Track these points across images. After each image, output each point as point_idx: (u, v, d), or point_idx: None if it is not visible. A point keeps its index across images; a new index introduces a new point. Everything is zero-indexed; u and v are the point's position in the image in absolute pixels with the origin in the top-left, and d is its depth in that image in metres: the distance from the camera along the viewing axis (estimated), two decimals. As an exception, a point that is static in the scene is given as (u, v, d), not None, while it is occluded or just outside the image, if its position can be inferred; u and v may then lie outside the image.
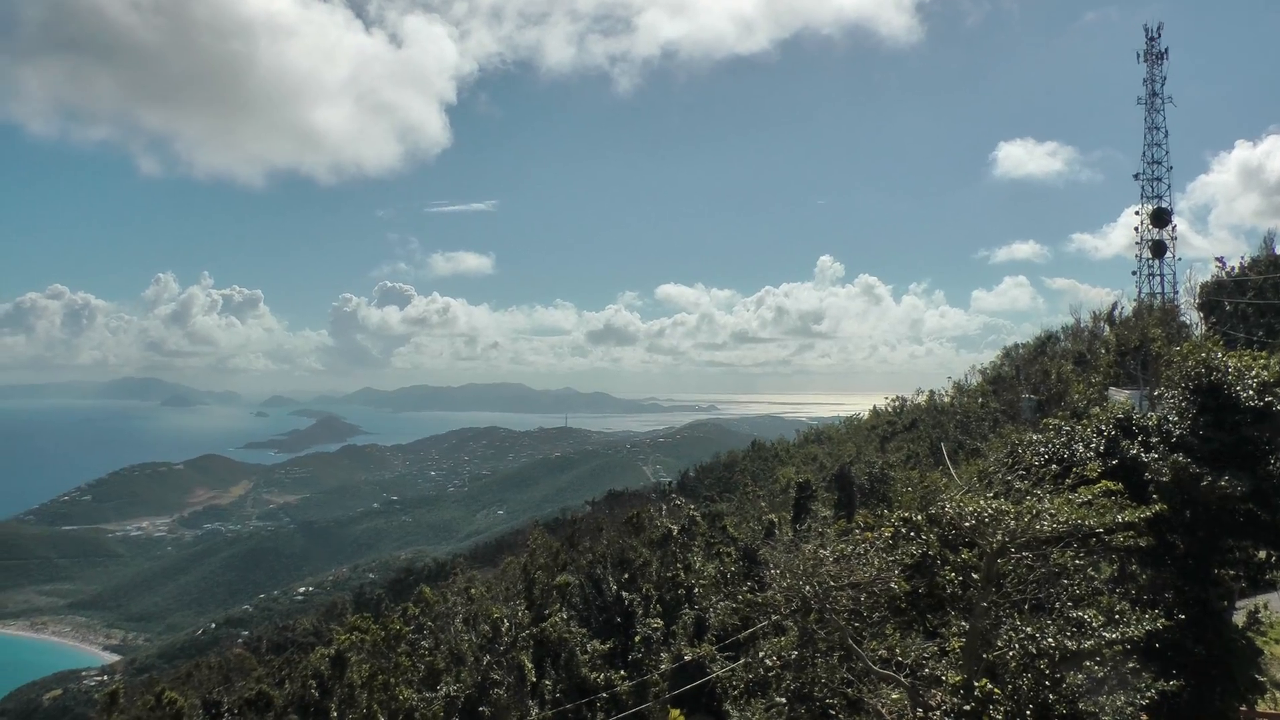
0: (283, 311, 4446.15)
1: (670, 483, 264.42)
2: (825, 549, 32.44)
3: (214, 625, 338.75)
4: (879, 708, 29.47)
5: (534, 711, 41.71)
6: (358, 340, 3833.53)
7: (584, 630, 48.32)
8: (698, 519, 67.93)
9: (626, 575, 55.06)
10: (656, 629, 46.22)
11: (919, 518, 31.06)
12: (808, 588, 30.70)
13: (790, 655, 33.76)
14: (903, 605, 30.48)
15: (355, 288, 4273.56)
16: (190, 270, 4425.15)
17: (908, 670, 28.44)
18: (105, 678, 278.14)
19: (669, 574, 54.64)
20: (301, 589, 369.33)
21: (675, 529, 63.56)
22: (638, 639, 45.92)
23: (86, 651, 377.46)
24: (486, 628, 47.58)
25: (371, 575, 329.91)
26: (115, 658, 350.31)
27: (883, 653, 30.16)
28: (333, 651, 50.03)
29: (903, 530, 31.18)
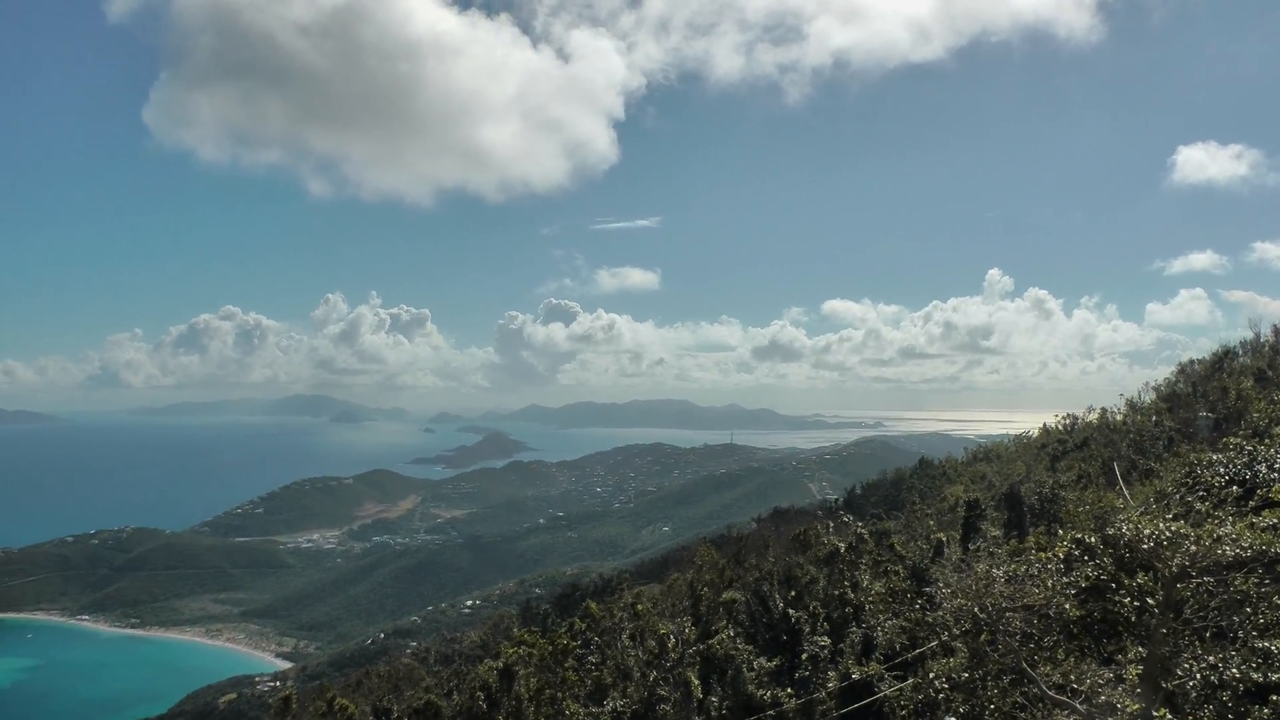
0: (449, 329, 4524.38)
1: (836, 500, 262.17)
2: (997, 569, 31.96)
3: (383, 635, 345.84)
4: (1053, 734, 28.91)
5: (700, 728, 41.75)
6: (523, 357, 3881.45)
7: (750, 647, 48.21)
8: (865, 537, 67.28)
9: (793, 592, 54.81)
10: (824, 647, 45.89)
11: (1093, 539, 30.34)
12: (978, 609, 30.29)
13: (961, 677, 33.27)
14: (1076, 630, 29.83)
15: (521, 305, 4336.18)
16: (359, 289, 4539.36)
17: (1083, 697, 27.81)
18: (278, 683, 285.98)
19: (836, 592, 54.24)
20: (469, 602, 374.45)
21: (842, 546, 63.05)
22: (804, 656, 45.66)
23: (259, 658, 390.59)
24: (653, 643, 47.76)
25: (538, 590, 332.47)
26: (287, 664, 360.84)
27: (1056, 678, 29.54)
28: (500, 664, 50.72)
29: (1076, 552, 30.51)
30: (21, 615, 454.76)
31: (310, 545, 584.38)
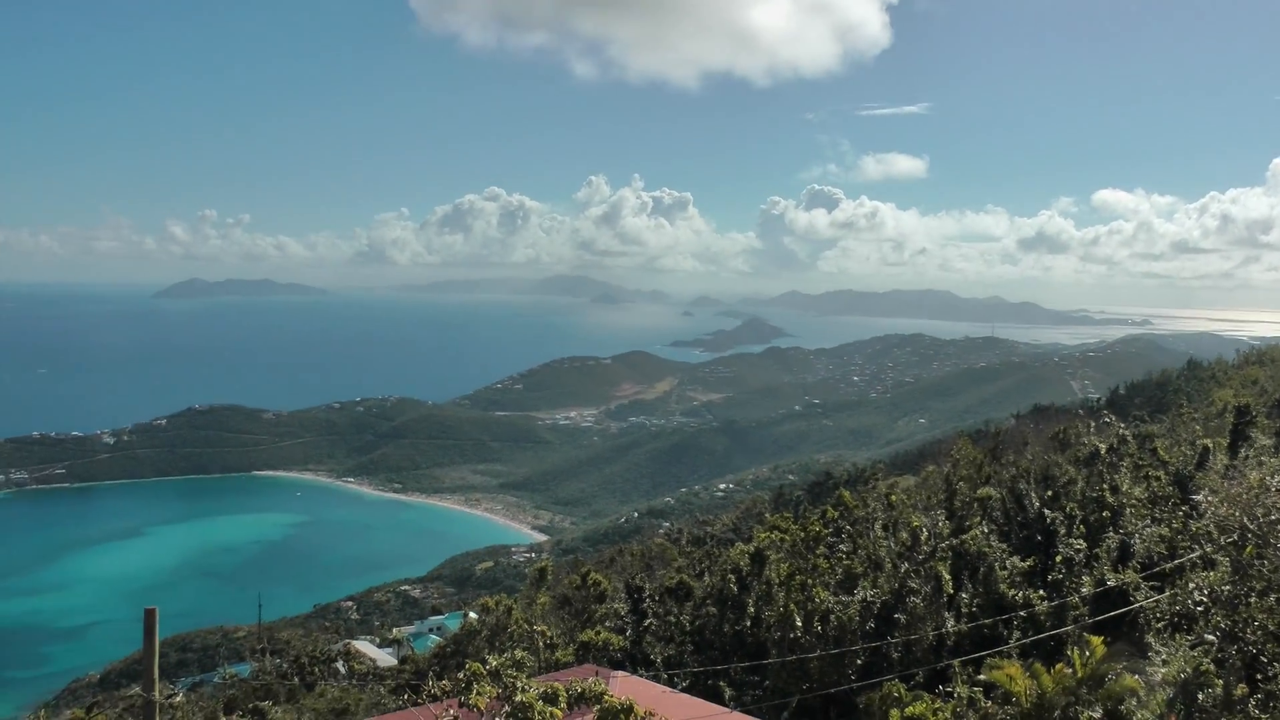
0: (711, 213, 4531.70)
1: (1099, 399, 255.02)
2: (1271, 478, 30.85)
3: (636, 514, 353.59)
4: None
5: (950, 623, 41.76)
6: (784, 243, 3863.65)
7: (1004, 545, 47.77)
8: (1127, 438, 65.43)
9: (1050, 492, 53.95)
10: (1079, 550, 45.10)
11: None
12: (1247, 518, 29.37)
13: (1222, 591, 32.27)
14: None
15: (783, 190, 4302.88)
16: (622, 172, 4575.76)
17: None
18: (533, 554, 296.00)
19: (1094, 494, 53.11)
20: (722, 485, 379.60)
21: (1103, 447, 61.51)
22: (1058, 559, 45.01)
23: (516, 529, 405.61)
24: (905, 535, 47.77)
25: (791, 476, 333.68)
26: (543, 537, 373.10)
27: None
28: (752, 549, 51.55)
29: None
30: (292, 474, 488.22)
31: (568, 423, 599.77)
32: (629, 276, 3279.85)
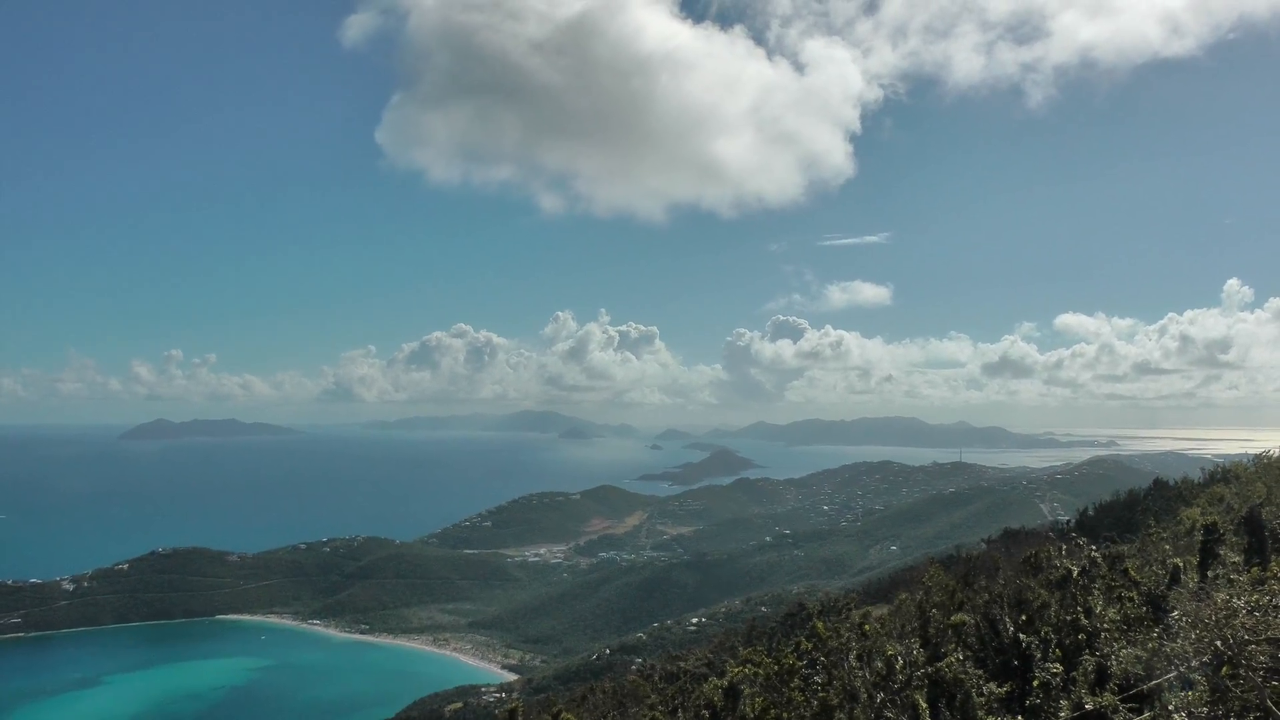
0: (678, 346, 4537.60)
1: (1068, 521, 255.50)
2: (1239, 599, 30.95)
3: (608, 651, 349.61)
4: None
5: (928, 753, 41.33)
6: (751, 374, 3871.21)
7: (980, 672, 47.39)
8: (1098, 560, 65.50)
9: (1024, 616, 53.71)
10: (1055, 674, 44.82)
11: (1343, 569, 29.12)
12: (1219, 641, 29.38)
13: (1201, 712, 32.19)
14: (1326, 664, 28.64)
15: (749, 322, 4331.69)
16: (588, 306, 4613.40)
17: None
18: (503, 694, 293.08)
19: (1068, 617, 52.93)
20: (694, 619, 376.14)
21: (1075, 570, 61.52)
22: (1035, 683, 44.70)
23: (486, 669, 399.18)
24: (880, 665, 47.41)
25: (764, 608, 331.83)
26: (513, 676, 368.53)
27: (1305, 714, 28.45)
28: (726, 683, 51.06)
29: (1325, 582, 29.32)
30: (256, 617, 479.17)
31: (537, 559, 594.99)
32: (597, 411, 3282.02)
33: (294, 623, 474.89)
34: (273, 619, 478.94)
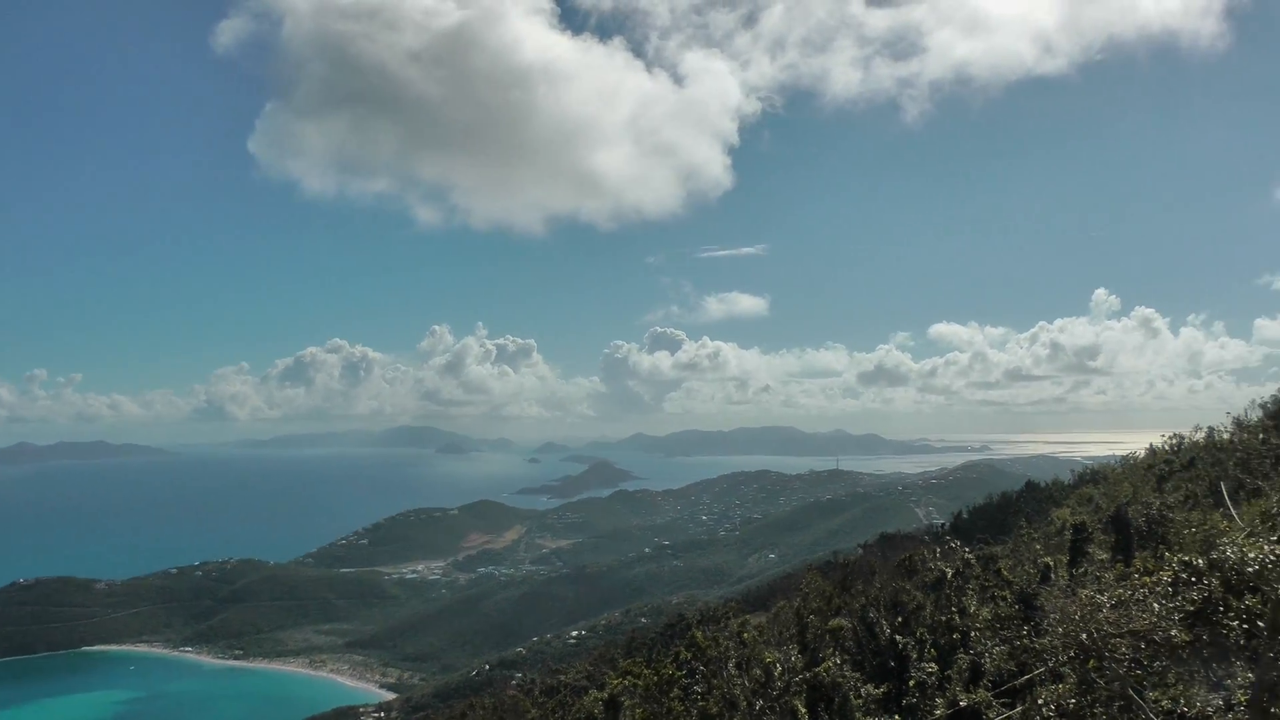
0: (556, 359, 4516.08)
1: (943, 524, 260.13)
2: (1102, 594, 31.80)
3: (488, 667, 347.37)
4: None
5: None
6: (629, 386, 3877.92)
7: (857, 674, 48.12)
8: (972, 561, 66.87)
9: (900, 618, 54.68)
10: (931, 673, 45.74)
11: (1200, 562, 30.06)
12: (1085, 635, 30.16)
13: (1069, 704, 33.06)
14: (1185, 654, 29.54)
15: (627, 333, 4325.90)
16: (465, 320, 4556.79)
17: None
18: (382, 714, 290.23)
19: (943, 617, 53.99)
20: (574, 633, 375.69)
21: (949, 572, 62.74)
22: (912, 683, 45.54)
23: (364, 689, 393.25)
24: (759, 672, 47.88)
25: (644, 620, 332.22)
26: (391, 695, 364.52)
27: (1165, 704, 29.35)
28: (606, 695, 51.16)
29: (1183, 575, 30.23)
30: (125, 647, 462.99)
31: (415, 576, 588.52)
32: (474, 425, 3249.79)
33: (165, 651, 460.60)
34: (142, 648, 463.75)
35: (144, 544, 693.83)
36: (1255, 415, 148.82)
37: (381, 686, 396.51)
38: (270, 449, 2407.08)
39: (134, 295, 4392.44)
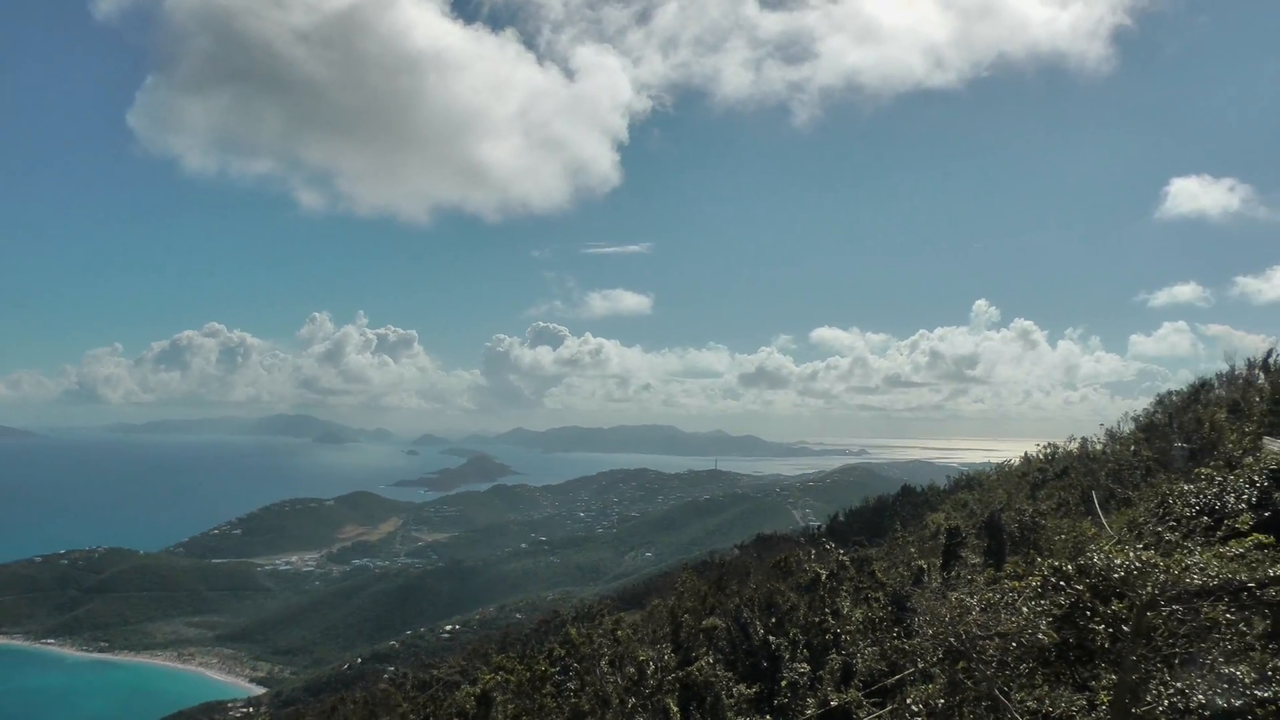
0: (437, 350, 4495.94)
1: (819, 527, 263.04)
2: (972, 597, 32.33)
3: (360, 660, 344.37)
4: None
5: (680, 754, 41.90)
6: (510, 380, 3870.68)
7: (730, 674, 48.33)
8: (846, 563, 67.62)
9: (774, 619, 55.10)
10: (803, 674, 46.12)
11: (1069, 567, 30.71)
12: (953, 637, 30.64)
13: (938, 704, 33.63)
14: (1051, 656, 30.15)
15: (510, 327, 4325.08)
16: (346, 307, 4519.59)
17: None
18: (251, 709, 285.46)
19: (816, 619, 54.50)
20: (448, 627, 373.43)
21: (824, 573, 63.34)
22: (784, 683, 45.85)
23: (233, 683, 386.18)
24: (632, 670, 47.90)
25: (519, 615, 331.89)
26: (261, 690, 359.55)
27: (1031, 704, 29.89)
28: (478, 691, 50.85)
29: (1052, 580, 30.86)
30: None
31: (288, 568, 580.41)
32: (353, 415, 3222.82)
33: (25, 643, 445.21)
34: (1, 640, 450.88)
35: (6, 530, 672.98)
36: (1128, 428, 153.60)
37: (251, 680, 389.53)
38: (143, 434, 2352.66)
39: (1, 272, 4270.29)
